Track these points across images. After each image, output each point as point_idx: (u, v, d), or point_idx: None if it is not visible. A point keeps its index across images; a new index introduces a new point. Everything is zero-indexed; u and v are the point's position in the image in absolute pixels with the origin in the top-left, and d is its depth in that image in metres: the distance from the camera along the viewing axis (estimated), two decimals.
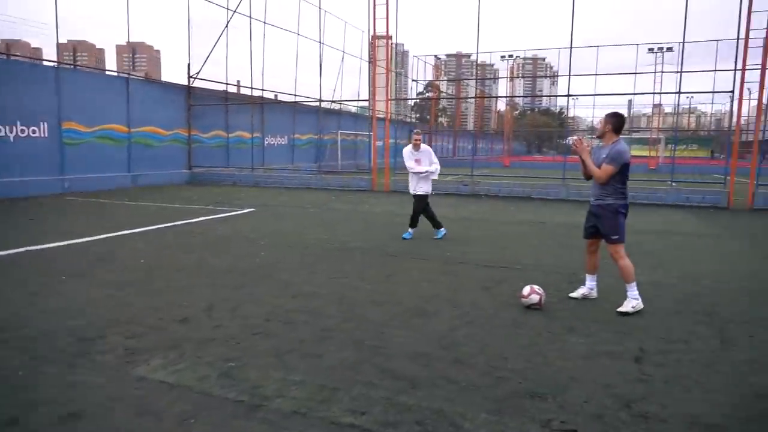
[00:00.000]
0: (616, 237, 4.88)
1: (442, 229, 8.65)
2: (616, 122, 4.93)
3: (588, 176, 5.08)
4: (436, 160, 8.45)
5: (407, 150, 8.49)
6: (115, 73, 19.23)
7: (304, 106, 27.48)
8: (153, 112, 18.57)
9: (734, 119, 15.82)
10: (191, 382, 3.27)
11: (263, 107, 24.29)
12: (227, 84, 22.19)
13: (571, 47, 17.66)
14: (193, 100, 20.51)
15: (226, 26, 21.33)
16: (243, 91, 24.10)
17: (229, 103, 22.25)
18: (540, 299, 4.82)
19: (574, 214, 12.28)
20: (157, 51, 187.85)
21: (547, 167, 34.35)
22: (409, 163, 8.39)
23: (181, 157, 20.08)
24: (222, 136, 22.15)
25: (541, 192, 16.03)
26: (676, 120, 26.51)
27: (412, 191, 8.53)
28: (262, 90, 24.49)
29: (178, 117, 19.96)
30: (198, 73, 20.53)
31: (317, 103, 24.81)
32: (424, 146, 8.44)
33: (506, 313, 4.76)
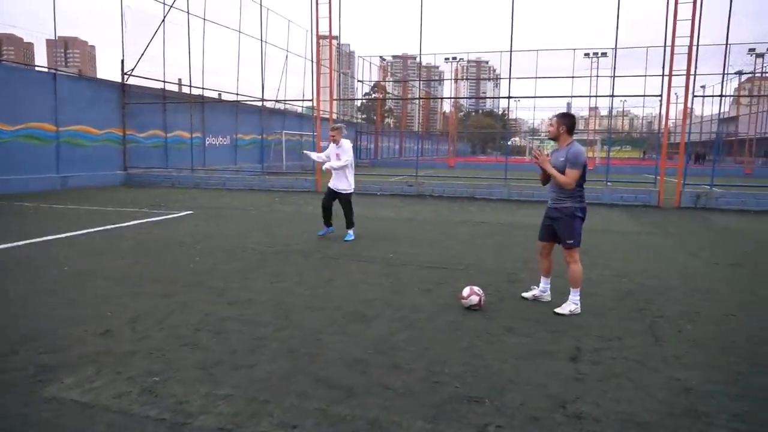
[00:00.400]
0: (571, 242, 4.83)
1: (329, 228, 8.63)
2: (569, 123, 4.86)
3: (545, 181, 5.00)
4: (347, 158, 8.30)
5: (330, 147, 8.46)
6: (45, 69, 18.01)
7: (247, 106, 26.88)
8: (84, 110, 17.62)
9: (663, 122, 16.61)
10: (108, 400, 3.03)
11: (204, 106, 23.56)
12: (164, 82, 21.38)
13: (511, 51, 18.05)
14: (128, 98, 19.62)
15: (163, 21, 20.53)
16: (183, 89, 23.28)
17: (167, 101, 21.43)
18: (480, 300, 4.81)
19: (515, 213, 12.53)
20: (92, 47, 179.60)
21: (491, 167, 35.07)
22: (321, 160, 8.53)
23: (115, 157, 19.16)
24: (160, 135, 21.30)
25: (484, 192, 16.28)
26: (611, 122, 27.62)
27: (332, 187, 8.42)
28: (203, 89, 23.76)
29: (112, 115, 19.03)
30: (132, 69, 19.65)
31: (260, 103, 24.34)
32: (345, 141, 8.32)
33: (446, 315, 4.72)
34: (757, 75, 43.10)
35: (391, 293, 5.41)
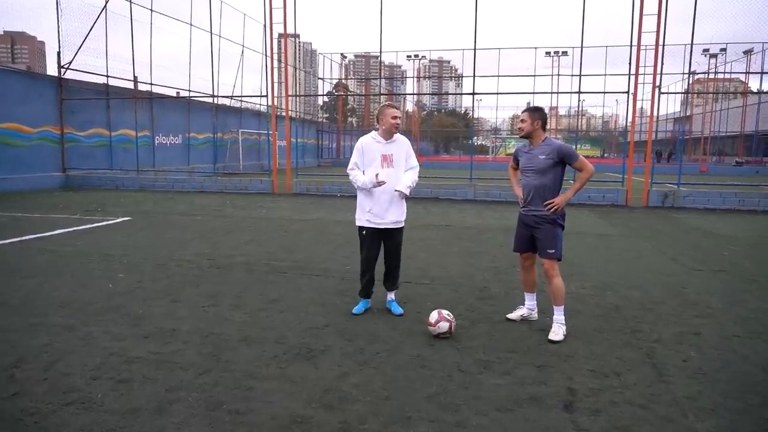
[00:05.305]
0: (553, 251, 4.20)
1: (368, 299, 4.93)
2: (543, 116, 4.27)
3: (526, 198, 4.31)
4: (415, 161, 4.81)
5: (368, 141, 4.64)
6: None
7: (200, 103, 25.53)
8: (14, 106, 16.10)
9: (628, 120, 16.32)
10: None
11: (152, 103, 22.13)
12: (108, 76, 19.91)
13: (475, 49, 17.45)
14: (66, 93, 18.14)
15: (103, 9, 19.07)
16: (129, 84, 21.80)
17: (110, 98, 19.97)
18: (450, 327, 4.05)
19: (480, 215, 11.90)
20: (42, 42, 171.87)
21: (455, 166, 34.61)
22: (368, 171, 4.60)
23: (52, 158, 17.65)
24: (103, 134, 19.81)
25: (448, 192, 15.63)
26: (578, 121, 27.55)
27: (371, 222, 4.68)
28: (151, 84, 22.33)
29: (48, 112, 17.52)
30: (70, 62, 18.17)
31: (213, 100, 23.11)
32: (399, 136, 4.69)
33: (410, 345, 3.93)
34: (710, 74, 44.04)
35: (345, 317, 4.59)
